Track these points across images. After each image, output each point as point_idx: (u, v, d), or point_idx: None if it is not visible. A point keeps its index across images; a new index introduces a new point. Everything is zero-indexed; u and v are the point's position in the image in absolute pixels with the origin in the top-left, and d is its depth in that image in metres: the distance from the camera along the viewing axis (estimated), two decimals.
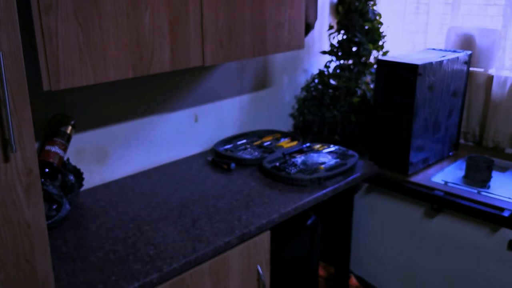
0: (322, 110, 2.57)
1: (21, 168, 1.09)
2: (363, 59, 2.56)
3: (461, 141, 2.54)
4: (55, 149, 1.73)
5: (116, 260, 1.45)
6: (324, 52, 2.66)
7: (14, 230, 1.11)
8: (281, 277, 1.99)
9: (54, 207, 1.64)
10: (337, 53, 2.60)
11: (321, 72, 2.65)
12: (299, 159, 2.13)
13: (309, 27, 2.42)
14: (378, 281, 2.39)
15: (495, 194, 2.00)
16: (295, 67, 2.71)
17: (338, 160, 2.14)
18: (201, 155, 2.29)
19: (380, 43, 2.58)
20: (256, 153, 2.22)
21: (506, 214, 1.86)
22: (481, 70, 2.42)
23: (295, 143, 2.34)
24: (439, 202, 2.04)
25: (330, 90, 2.57)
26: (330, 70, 2.66)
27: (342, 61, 2.63)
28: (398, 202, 2.21)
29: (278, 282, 1.95)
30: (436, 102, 2.21)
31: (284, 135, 2.47)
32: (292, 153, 2.19)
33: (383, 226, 2.30)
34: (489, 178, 2.14)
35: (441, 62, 2.15)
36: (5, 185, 1.08)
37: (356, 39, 2.51)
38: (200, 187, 1.94)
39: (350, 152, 2.21)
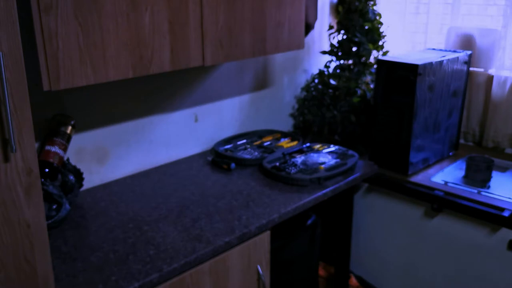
0: (322, 110, 2.57)
1: (21, 168, 1.09)
2: (363, 59, 2.56)
3: (461, 141, 2.54)
4: (55, 149, 1.73)
5: (116, 260, 1.45)
6: (324, 52, 2.66)
7: (14, 230, 1.11)
8: (281, 277, 1.99)
9: (54, 207, 1.64)
10: (337, 53, 2.60)
11: (321, 72, 2.65)
12: (299, 159, 2.13)
13: (309, 27, 2.42)
14: (378, 281, 2.39)
15: (495, 194, 2.00)
16: (295, 67, 2.71)
17: (338, 160, 2.14)
18: (201, 155, 2.29)
19: (380, 43, 2.58)
20: (256, 153, 2.22)
21: (506, 214, 1.86)
22: (481, 70, 2.42)
23: (295, 143, 2.34)
24: (439, 202, 2.04)
25: (330, 90, 2.57)
26: (330, 70, 2.66)
27: (342, 61, 2.63)
28: (398, 202, 2.21)
29: (278, 282, 1.95)
30: (436, 102, 2.21)
31: (284, 135, 2.47)
32: (292, 153, 2.19)
33: (383, 226, 2.30)
34: (489, 178, 2.14)
35: (441, 62, 2.15)
36: (5, 185, 1.08)
37: (356, 39, 2.51)
38: (200, 187, 1.94)
39: (350, 152, 2.21)
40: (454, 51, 2.32)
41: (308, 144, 2.29)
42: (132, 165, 2.09)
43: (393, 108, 2.18)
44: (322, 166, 2.06)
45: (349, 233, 2.36)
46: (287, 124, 2.75)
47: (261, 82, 2.55)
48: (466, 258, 2.03)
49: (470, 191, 2.03)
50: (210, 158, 2.21)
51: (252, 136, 2.45)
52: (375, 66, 2.54)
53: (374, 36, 2.54)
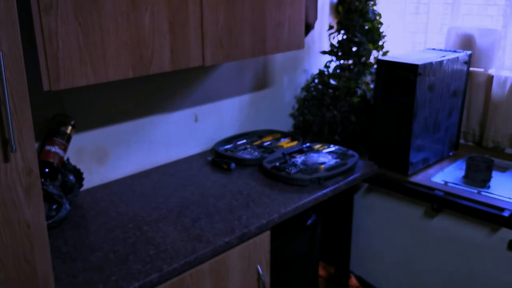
0: (322, 110, 2.57)
1: (21, 168, 1.09)
2: (363, 59, 2.56)
3: (461, 141, 2.54)
4: (55, 149, 1.73)
5: (116, 260, 1.45)
6: (324, 52, 2.66)
7: (14, 230, 1.11)
8: (281, 277, 1.99)
9: (54, 207, 1.64)
10: (337, 53, 2.60)
11: (321, 72, 2.65)
12: (299, 159, 2.13)
13: (309, 27, 2.42)
14: (378, 281, 2.39)
15: (495, 194, 2.00)
16: (295, 67, 2.71)
17: (338, 160, 2.14)
18: (201, 155, 2.29)
19: (380, 43, 2.58)
20: (256, 153, 2.22)
21: (506, 214, 1.86)
22: (481, 70, 2.42)
23: (295, 143, 2.34)
24: (439, 202, 2.04)
25: (330, 90, 2.57)
26: (330, 70, 2.66)
27: (342, 61, 2.63)
28: (398, 202, 2.21)
29: (278, 282, 1.95)
30: (436, 102, 2.21)
31: (284, 135, 2.47)
32: (292, 153, 2.19)
33: (383, 226, 2.30)
34: (489, 178, 2.14)
35: (441, 62, 2.15)
36: (5, 185, 1.08)
37: (356, 39, 2.51)
38: (200, 187, 1.94)
39: (350, 152, 2.21)
40: (454, 51, 2.32)
41: (308, 144, 2.29)
42: (132, 165, 2.08)
43: (393, 108, 2.18)
44: (322, 166, 2.06)
45: (349, 233, 2.36)
46: (287, 124, 2.75)
47: (261, 82, 2.55)
48: (466, 258, 2.03)
49: (470, 191, 2.03)
50: (210, 158, 2.21)
51: (252, 136, 2.45)
52: (375, 66, 2.54)
53: (374, 36, 2.54)
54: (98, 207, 1.79)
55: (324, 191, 1.90)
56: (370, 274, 2.42)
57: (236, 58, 1.88)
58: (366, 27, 2.53)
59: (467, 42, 2.41)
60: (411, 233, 2.20)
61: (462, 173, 2.22)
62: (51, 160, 1.71)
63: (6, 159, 1.07)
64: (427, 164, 2.29)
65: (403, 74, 2.09)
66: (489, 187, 2.09)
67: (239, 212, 1.73)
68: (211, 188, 1.93)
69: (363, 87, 2.48)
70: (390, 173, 2.22)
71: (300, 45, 2.12)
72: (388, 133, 2.22)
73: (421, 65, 2.04)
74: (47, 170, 1.70)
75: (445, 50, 2.36)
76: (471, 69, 2.40)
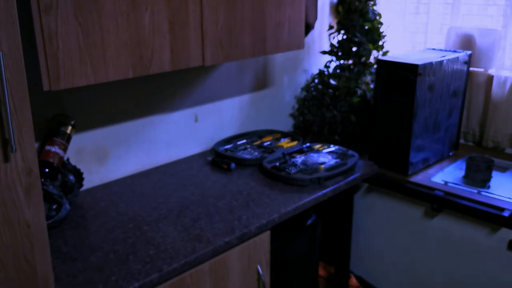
0: (322, 110, 2.57)
1: (21, 168, 1.09)
2: (363, 59, 2.56)
3: (461, 141, 2.54)
4: (55, 149, 1.73)
5: (116, 260, 1.45)
6: (324, 52, 2.66)
7: (14, 230, 1.11)
8: (281, 277, 1.99)
9: (54, 207, 1.64)
10: (337, 53, 2.60)
11: (321, 72, 2.65)
12: (299, 159, 2.13)
13: (309, 27, 2.42)
14: (378, 281, 2.39)
15: (495, 194, 2.00)
16: (295, 67, 2.71)
17: (338, 160, 2.14)
18: (201, 155, 2.29)
19: (380, 43, 2.58)
20: (256, 153, 2.22)
21: (506, 214, 1.86)
22: (481, 70, 2.42)
23: (295, 143, 2.34)
24: (439, 202, 2.04)
25: (330, 90, 2.57)
26: (330, 70, 2.66)
27: (342, 61, 2.63)
28: (398, 202, 2.21)
29: (278, 282, 1.95)
30: (436, 102, 2.21)
31: (284, 135, 2.47)
32: (292, 153, 2.19)
33: (383, 226, 2.30)
34: (489, 178, 2.14)
35: (441, 62, 2.15)
36: (5, 185, 1.08)
37: (356, 39, 2.51)
38: (200, 187, 1.94)
39: (350, 152, 2.21)
40: (454, 51, 2.32)
41: (308, 144, 2.29)
42: (132, 165, 2.08)
43: (393, 108, 2.18)
44: (322, 166, 2.06)
45: (349, 233, 2.36)
46: (287, 124, 2.75)
47: (261, 82, 2.55)
48: (466, 258, 2.03)
49: (470, 191, 2.03)
50: (210, 158, 2.21)
51: (252, 136, 2.45)
52: (375, 66, 2.54)
53: (374, 36, 2.54)
54: (98, 207, 1.79)
55: (324, 191, 1.90)
56: (370, 274, 2.42)
57: (236, 58, 1.88)
58: (366, 27, 2.53)
59: (467, 42, 2.41)
60: (411, 233, 2.20)
61: (462, 173, 2.22)
62: (51, 160, 1.71)
63: (6, 159, 1.07)
64: (427, 164, 2.29)
65: (403, 74, 2.09)
66: (489, 187, 2.09)
67: (239, 212, 1.73)
68: (211, 188, 1.93)
69: (363, 87, 2.48)
70: (390, 173, 2.22)
71: (300, 45, 2.12)
72: (388, 133, 2.22)
73: (421, 65, 2.04)
74: (47, 170, 1.70)
75: (445, 50, 2.36)
76: (471, 69, 2.40)
